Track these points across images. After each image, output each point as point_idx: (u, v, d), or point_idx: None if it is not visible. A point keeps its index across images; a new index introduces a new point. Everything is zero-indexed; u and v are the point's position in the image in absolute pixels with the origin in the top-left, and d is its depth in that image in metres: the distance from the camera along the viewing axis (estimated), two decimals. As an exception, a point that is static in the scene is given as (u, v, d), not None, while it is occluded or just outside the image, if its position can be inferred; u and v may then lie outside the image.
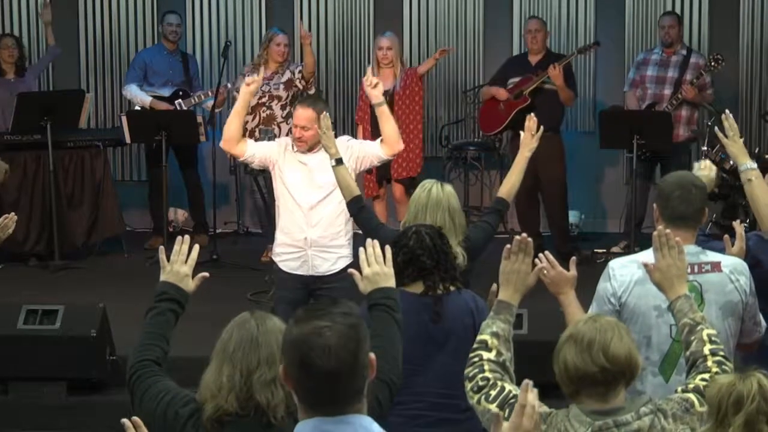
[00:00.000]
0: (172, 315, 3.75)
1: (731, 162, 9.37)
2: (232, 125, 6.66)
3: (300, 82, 9.71)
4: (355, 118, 10.18)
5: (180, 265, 3.81)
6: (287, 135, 9.29)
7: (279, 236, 6.73)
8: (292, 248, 6.67)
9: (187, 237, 3.89)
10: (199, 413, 3.42)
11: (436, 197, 5.39)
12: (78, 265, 9.68)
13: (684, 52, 9.99)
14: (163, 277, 3.80)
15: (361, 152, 6.60)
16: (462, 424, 4.79)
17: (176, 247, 3.84)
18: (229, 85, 10.12)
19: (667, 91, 9.84)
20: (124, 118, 9.97)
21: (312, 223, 6.59)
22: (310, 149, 6.57)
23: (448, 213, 5.37)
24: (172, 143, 10.01)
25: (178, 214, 10.93)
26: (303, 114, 6.53)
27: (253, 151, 6.69)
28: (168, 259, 3.84)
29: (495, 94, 9.90)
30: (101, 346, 7.06)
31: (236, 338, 3.41)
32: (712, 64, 9.74)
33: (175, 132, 9.76)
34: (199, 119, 9.93)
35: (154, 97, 10.23)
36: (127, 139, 9.99)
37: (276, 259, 6.77)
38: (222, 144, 6.80)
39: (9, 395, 7.10)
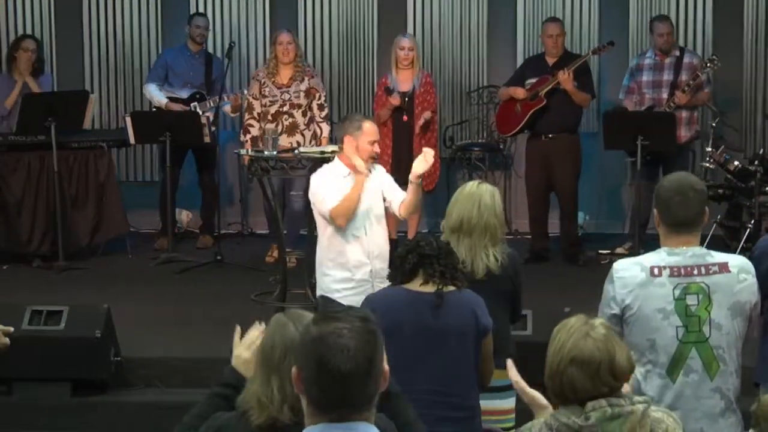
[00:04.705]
0: (226, 402, 3.67)
1: (736, 163, 9.40)
2: (351, 211, 6.39)
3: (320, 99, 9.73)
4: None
5: (247, 351, 3.74)
6: (312, 142, 9.36)
7: (334, 272, 6.44)
8: (355, 282, 6.45)
9: (263, 325, 3.78)
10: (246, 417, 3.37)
11: (470, 191, 5.43)
12: (82, 265, 9.67)
13: (677, 52, 9.95)
14: (233, 362, 3.73)
15: (388, 192, 6.53)
16: (459, 423, 4.79)
17: (254, 332, 3.76)
18: (245, 91, 10.08)
19: (665, 95, 9.81)
20: (128, 119, 9.96)
21: (375, 254, 6.45)
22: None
23: (477, 207, 5.38)
24: (184, 144, 10.03)
25: (183, 215, 10.94)
26: (377, 128, 6.61)
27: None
28: (241, 337, 3.75)
29: (513, 93, 9.88)
30: (105, 347, 7.06)
31: (280, 346, 3.36)
32: (707, 65, 9.73)
33: (180, 133, 9.77)
34: (204, 120, 9.93)
35: (171, 98, 10.24)
36: (132, 140, 9.99)
37: (335, 295, 6.43)
38: (336, 220, 6.44)
39: (13, 395, 7.09)
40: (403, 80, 9.74)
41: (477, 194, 5.42)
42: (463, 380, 4.77)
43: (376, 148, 6.49)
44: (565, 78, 9.56)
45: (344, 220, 6.39)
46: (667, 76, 9.85)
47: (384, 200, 6.50)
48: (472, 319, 4.76)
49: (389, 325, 4.49)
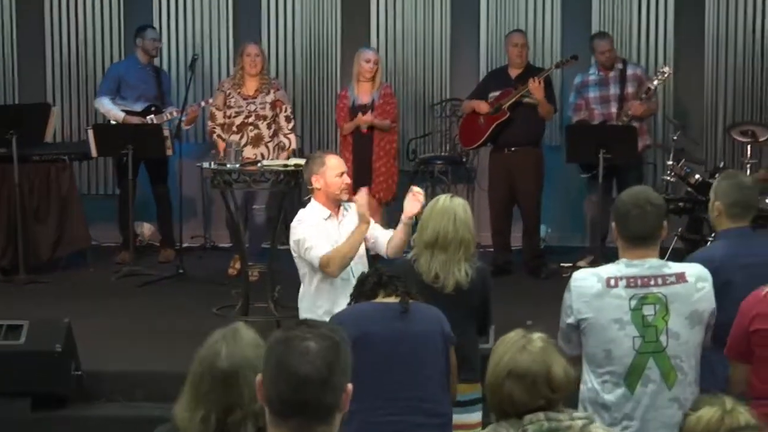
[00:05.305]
0: None
1: (697, 176, 9.45)
2: (348, 260, 6.13)
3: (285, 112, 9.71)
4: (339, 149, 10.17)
5: None
6: (275, 155, 9.35)
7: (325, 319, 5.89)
8: None
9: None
10: None
11: (443, 206, 5.45)
12: (43, 279, 9.61)
13: (620, 65, 10.01)
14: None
15: (371, 231, 6.30)
16: (435, 429, 4.80)
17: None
18: (202, 104, 10.08)
19: (614, 109, 9.86)
20: (90, 132, 9.91)
21: None
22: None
23: (452, 221, 5.41)
24: (143, 157, 9.99)
25: (144, 228, 10.90)
26: (340, 159, 6.44)
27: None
28: None
29: (476, 107, 9.91)
30: (66, 361, 7.01)
31: (208, 378, 3.34)
32: (659, 75, 9.79)
33: (142, 146, 9.74)
34: (166, 133, 9.90)
35: (127, 112, 10.17)
36: (94, 153, 9.94)
37: None
38: (326, 268, 6.16)
39: (-28, 411, 7.04)
40: (364, 93, 9.75)
41: (451, 208, 5.45)
42: (436, 386, 4.79)
43: (346, 179, 6.34)
44: (536, 86, 9.60)
45: (339, 269, 6.11)
46: (613, 90, 9.91)
47: (366, 240, 6.28)
48: (438, 327, 4.80)
49: (359, 334, 4.52)
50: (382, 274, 4.87)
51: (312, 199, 6.42)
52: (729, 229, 5.13)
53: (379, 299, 4.84)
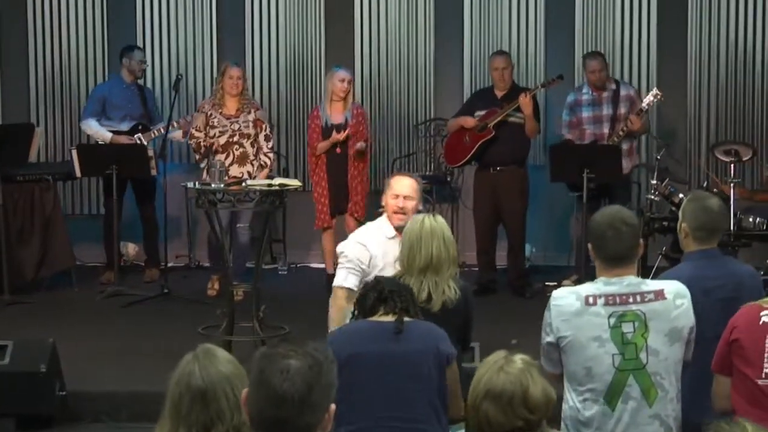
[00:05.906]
0: None
1: (680, 195, 9.48)
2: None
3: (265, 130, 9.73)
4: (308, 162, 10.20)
5: None
6: (257, 171, 9.35)
7: None
8: None
9: None
10: None
11: (430, 227, 5.42)
12: (28, 299, 9.58)
13: (613, 86, 10.05)
14: None
15: None
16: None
17: None
18: (188, 117, 10.11)
19: (606, 129, 9.90)
20: (74, 152, 9.91)
21: None
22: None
23: (443, 242, 5.40)
24: (129, 177, 9.98)
25: (129, 248, 10.89)
26: (409, 183, 6.31)
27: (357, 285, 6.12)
28: None
29: (463, 122, 9.94)
30: (51, 382, 6.99)
31: (186, 397, 3.36)
32: (653, 98, 9.83)
33: (126, 166, 9.73)
34: (150, 153, 9.90)
35: (114, 132, 10.18)
36: (78, 173, 9.93)
37: None
38: (331, 301, 6.20)
39: (-43, 432, 7.01)
40: (336, 112, 9.77)
41: (439, 229, 5.44)
42: (428, 407, 4.75)
43: (400, 203, 6.26)
44: (526, 101, 9.64)
45: (333, 312, 6.04)
46: (606, 111, 9.94)
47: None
48: (434, 346, 4.77)
49: (352, 353, 4.50)
50: (383, 289, 4.83)
51: (384, 215, 6.41)
52: (694, 251, 5.13)
53: (377, 317, 4.80)
